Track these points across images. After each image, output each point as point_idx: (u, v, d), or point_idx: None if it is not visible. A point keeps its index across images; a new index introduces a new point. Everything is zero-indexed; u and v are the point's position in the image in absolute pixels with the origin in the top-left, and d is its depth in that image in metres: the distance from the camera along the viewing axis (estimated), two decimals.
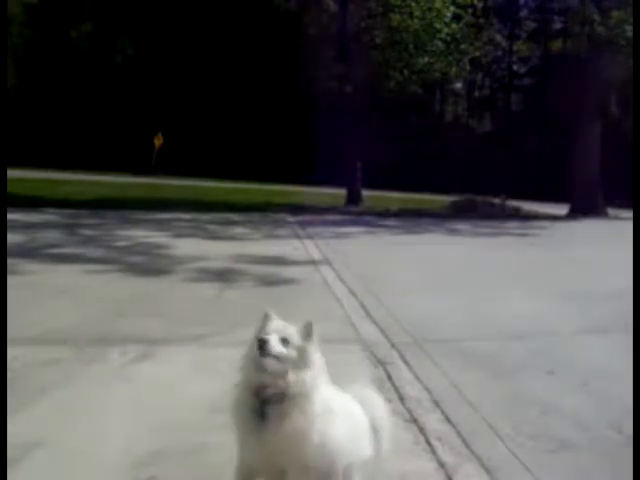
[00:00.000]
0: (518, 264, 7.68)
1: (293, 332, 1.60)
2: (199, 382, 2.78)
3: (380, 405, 1.89)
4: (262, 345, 1.54)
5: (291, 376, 1.56)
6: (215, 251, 7.05)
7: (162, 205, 13.32)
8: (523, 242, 10.54)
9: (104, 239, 7.91)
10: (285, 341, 1.57)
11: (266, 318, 1.64)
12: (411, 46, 16.32)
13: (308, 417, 1.57)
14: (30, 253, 6.29)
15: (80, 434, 2.25)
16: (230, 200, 16.21)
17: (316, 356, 1.61)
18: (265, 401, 1.57)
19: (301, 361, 1.58)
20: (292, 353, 1.57)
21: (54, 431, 2.25)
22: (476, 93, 45.87)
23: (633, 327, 3.65)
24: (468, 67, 18.10)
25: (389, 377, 2.98)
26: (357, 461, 1.71)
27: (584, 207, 17.96)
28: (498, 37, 37.58)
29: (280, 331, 1.59)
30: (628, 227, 10.05)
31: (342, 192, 18.08)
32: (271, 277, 5.61)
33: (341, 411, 1.68)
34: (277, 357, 1.55)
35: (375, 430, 1.78)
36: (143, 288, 5.00)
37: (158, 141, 28.40)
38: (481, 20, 17.43)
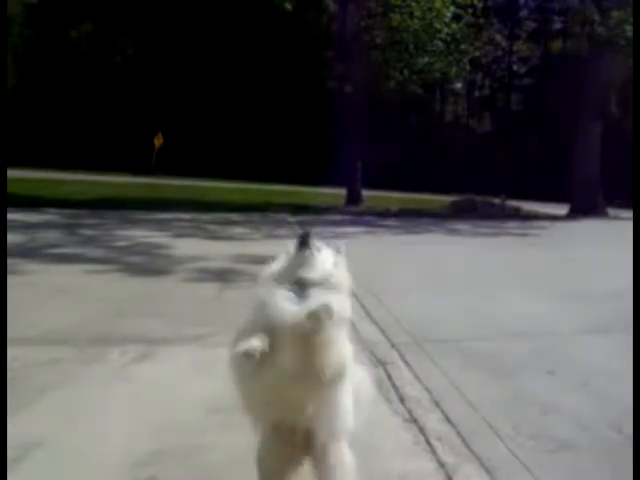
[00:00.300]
0: (518, 264, 7.68)
1: (325, 245, 1.67)
2: (199, 382, 2.77)
3: (364, 377, 1.88)
4: (305, 236, 1.59)
5: (331, 268, 1.61)
6: (215, 251, 7.05)
7: (162, 205, 13.32)
8: (523, 242, 10.54)
9: (104, 239, 7.91)
10: (320, 248, 1.64)
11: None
12: (411, 46, 16.33)
13: (349, 306, 1.60)
14: (30, 253, 6.29)
15: (80, 434, 2.25)
16: (230, 200, 16.21)
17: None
18: (307, 285, 1.55)
19: (337, 264, 1.65)
20: (328, 257, 1.63)
21: (54, 431, 2.25)
22: (476, 93, 45.89)
23: (633, 327, 3.65)
24: (468, 67, 18.11)
25: (389, 377, 2.98)
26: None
27: (584, 207, 17.97)
28: (498, 37, 37.62)
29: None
30: (628, 227, 10.05)
31: (342, 192, 18.08)
32: None
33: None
34: (318, 249, 1.61)
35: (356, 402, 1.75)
36: (143, 288, 5.00)
37: (158, 141, 28.41)
38: (481, 20, 17.45)
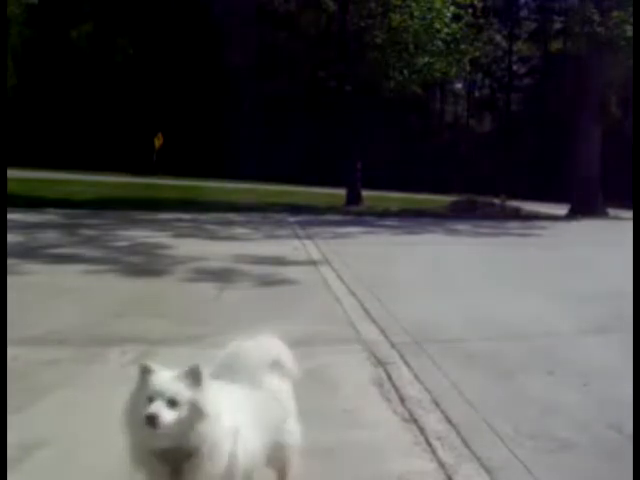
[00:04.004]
0: (518, 264, 7.68)
1: (179, 388, 1.51)
2: None
3: (278, 344, 1.89)
4: (151, 422, 1.43)
5: (190, 434, 1.47)
6: (215, 251, 7.05)
7: (162, 205, 13.31)
8: (523, 242, 10.54)
9: (104, 239, 7.91)
10: (173, 402, 1.48)
11: (145, 372, 1.56)
12: (411, 46, 16.32)
13: (217, 465, 1.50)
14: (30, 253, 6.29)
15: (80, 434, 2.25)
16: (230, 200, 16.20)
17: (211, 400, 1.53)
18: (175, 461, 1.48)
19: (195, 415, 1.48)
20: (184, 412, 1.47)
21: (54, 431, 2.25)
22: (476, 93, 45.87)
23: (633, 327, 3.65)
24: (468, 67, 18.10)
25: (389, 377, 2.98)
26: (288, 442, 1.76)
27: (584, 207, 17.94)
28: (498, 37, 37.59)
29: (164, 391, 1.49)
30: (628, 227, 10.05)
31: (342, 192, 18.08)
32: (271, 277, 5.62)
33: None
34: (169, 426, 1.44)
35: (280, 364, 1.83)
36: (143, 288, 5.00)
37: (158, 141, 28.40)
38: (481, 20, 17.44)
